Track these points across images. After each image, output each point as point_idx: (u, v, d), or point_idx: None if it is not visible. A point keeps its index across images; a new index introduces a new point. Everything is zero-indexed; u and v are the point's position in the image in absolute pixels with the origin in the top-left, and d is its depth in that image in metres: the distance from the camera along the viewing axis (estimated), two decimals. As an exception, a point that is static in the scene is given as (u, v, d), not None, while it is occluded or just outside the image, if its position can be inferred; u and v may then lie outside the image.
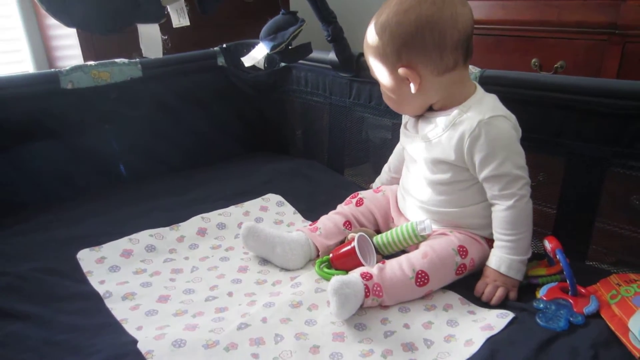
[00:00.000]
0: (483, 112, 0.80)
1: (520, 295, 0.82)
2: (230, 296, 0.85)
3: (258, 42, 1.43)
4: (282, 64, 1.45)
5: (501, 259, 0.82)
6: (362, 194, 1.03)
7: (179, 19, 0.97)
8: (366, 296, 0.78)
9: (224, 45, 1.48)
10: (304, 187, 1.25)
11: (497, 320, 0.76)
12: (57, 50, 1.93)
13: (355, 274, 0.80)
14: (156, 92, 1.34)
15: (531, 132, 0.90)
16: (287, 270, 0.93)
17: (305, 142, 1.52)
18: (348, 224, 0.97)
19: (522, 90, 0.91)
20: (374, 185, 1.13)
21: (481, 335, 0.72)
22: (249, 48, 1.48)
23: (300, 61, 1.38)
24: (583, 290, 0.77)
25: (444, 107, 0.85)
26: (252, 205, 1.15)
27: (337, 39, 1.19)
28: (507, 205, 0.81)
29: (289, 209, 1.17)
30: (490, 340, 0.71)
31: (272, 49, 1.12)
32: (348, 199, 1.03)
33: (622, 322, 0.68)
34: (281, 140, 1.55)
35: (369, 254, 0.89)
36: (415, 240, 0.86)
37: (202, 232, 1.05)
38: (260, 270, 0.93)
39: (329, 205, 1.11)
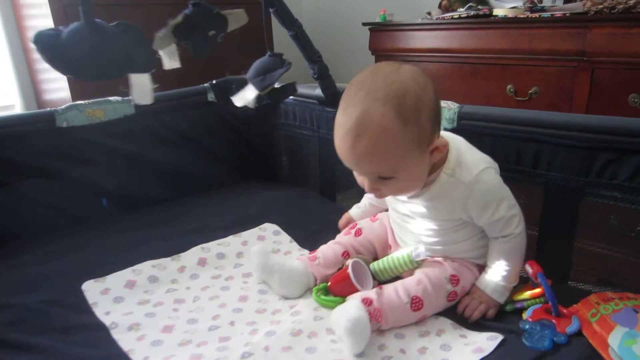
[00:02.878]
0: (468, 171, 0.83)
1: (507, 317, 0.87)
2: (232, 325, 0.88)
3: (244, 78, 1.48)
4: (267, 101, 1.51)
5: (489, 282, 0.88)
6: (361, 223, 1.07)
7: (170, 62, 1.02)
8: (370, 320, 0.81)
9: (214, 82, 1.54)
10: (299, 216, 1.30)
11: (488, 342, 0.80)
12: (45, 84, 1.98)
13: (356, 301, 0.83)
14: (149, 128, 1.39)
15: (509, 163, 0.96)
16: (286, 299, 0.96)
17: (295, 171, 1.57)
18: (346, 254, 1.01)
19: (497, 125, 0.96)
20: (352, 212, 1.16)
21: (473, 358, 0.76)
22: (237, 84, 1.54)
23: (291, 98, 1.44)
24: (565, 311, 0.82)
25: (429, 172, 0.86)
26: (250, 235, 1.19)
27: (323, 77, 1.26)
28: (504, 241, 0.87)
29: (285, 237, 1.21)
30: (482, 362, 0.75)
31: (262, 89, 1.18)
32: (347, 229, 1.07)
33: (602, 339, 0.73)
34: (272, 170, 1.60)
35: (365, 279, 0.94)
36: (410, 266, 0.91)
37: (202, 262, 1.08)
38: (260, 299, 0.97)
39: (324, 233, 1.16)
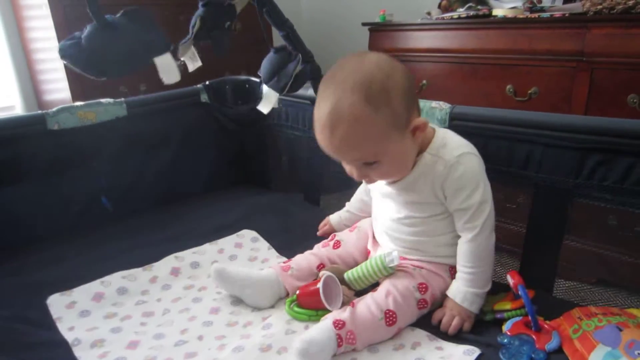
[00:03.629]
0: (450, 151, 0.83)
1: (486, 328, 0.83)
2: (200, 340, 0.85)
3: (240, 78, 1.46)
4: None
5: (458, 289, 0.85)
6: (339, 235, 1.04)
7: (193, 64, 1.03)
8: (339, 346, 0.78)
9: (207, 83, 1.51)
10: (280, 222, 1.26)
11: (464, 357, 0.76)
12: (45, 84, 1.95)
13: (327, 322, 0.80)
14: (141, 130, 1.36)
15: (499, 164, 0.93)
16: (258, 309, 0.93)
17: (284, 174, 1.54)
18: (322, 266, 0.97)
19: (489, 125, 0.94)
20: (331, 218, 1.15)
21: (448, 373, 0.73)
22: (231, 84, 1.52)
23: (281, 97, 1.40)
24: (546, 325, 0.78)
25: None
26: (227, 243, 1.16)
27: (316, 77, 1.23)
28: (469, 237, 0.84)
29: (263, 244, 1.17)
30: (456, 379, 0.71)
31: (281, 90, 1.15)
32: (326, 240, 1.04)
33: (583, 358, 0.69)
34: (262, 173, 1.57)
35: (335, 295, 0.89)
36: (384, 272, 0.87)
37: (175, 271, 1.05)
38: (232, 311, 0.93)
39: (304, 240, 1.13)
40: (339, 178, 1.36)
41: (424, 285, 0.86)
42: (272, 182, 1.56)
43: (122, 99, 1.32)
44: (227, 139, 1.53)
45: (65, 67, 1.66)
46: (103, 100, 1.29)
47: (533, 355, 0.73)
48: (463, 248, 0.85)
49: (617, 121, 0.81)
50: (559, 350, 0.74)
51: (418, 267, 0.89)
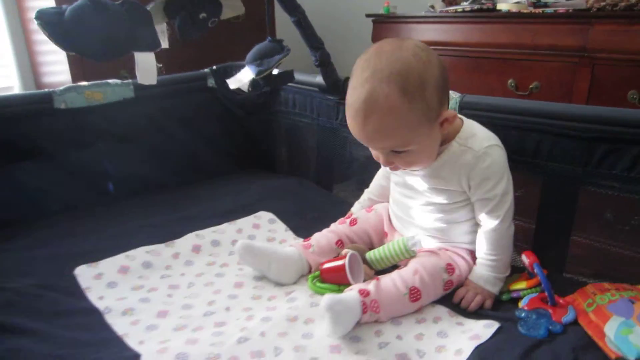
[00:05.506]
0: (479, 142, 0.86)
1: (504, 306, 0.87)
2: (228, 311, 0.88)
3: (244, 64, 1.47)
4: (266, 88, 1.51)
5: (481, 274, 0.89)
6: (356, 214, 1.07)
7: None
8: (364, 312, 0.81)
9: (214, 67, 1.52)
10: (295, 205, 1.29)
11: (484, 330, 0.80)
12: (45, 66, 1.94)
13: (353, 292, 0.83)
14: (148, 112, 1.37)
15: (509, 153, 0.95)
16: (281, 285, 0.96)
17: (292, 160, 1.56)
18: (340, 243, 1.01)
19: (499, 115, 0.97)
20: (354, 209, 1.16)
21: (469, 345, 0.76)
22: (237, 70, 1.53)
23: (289, 84, 1.43)
24: (561, 301, 0.82)
25: (442, 143, 0.89)
26: (245, 223, 1.18)
27: (325, 64, 1.25)
28: (491, 227, 0.87)
29: (280, 226, 1.20)
30: (478, 349, 0.75)
31: (257, 74, 1.16)
32: (342, 218, 1.07)
33: (598, 328, 0.73)
34: (269, 159, 1.59)
35: (357, 272, 0.93)
36: (406, 255, 0.91)
37: (196, 248, 1.07)
38: (256, 286, 0.96)
39: (319, 222, 1.15)
40: (345, 167, 1.40)
41: (452, 267, 0.89)
42: (281, 167, 1.58)
43: (130, 80, 1.33)
44: (233, 124, 1.55)
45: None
46: (110, 80, 1.30)
47: (550, 327, 0.77)
48: (484, 237, 0.88)
49: (626, 111, 0.85)
50: (575, 322, 0.78)
51: (443, 249, 0.92)
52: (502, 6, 1.64)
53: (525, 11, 1.57)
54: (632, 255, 1.30)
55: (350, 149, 1.38)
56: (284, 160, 1.58)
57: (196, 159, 1.47)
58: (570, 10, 1.48)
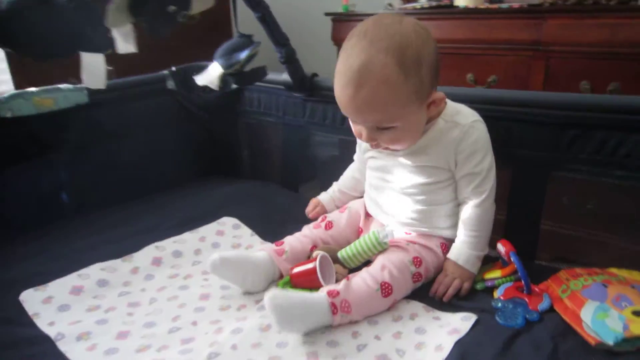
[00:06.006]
0: (465, 117, 0.87)
1: (479, 296, 0.86)
2: (194, 325, 0.82)
3: (206, 65, 1.41)
4: (234, 86, 1.45)
5: (461, 251, 0.88)
6: (330, 216, 1.03)
7: (125, 45, 0.94)
8: (334, 313, 0.79)
9: (174, 69, 1.45)
10: (260, 209, 1.24)
11: (462, 323, 0.78)
12: None
13: (321, 293, 0.80)
14: (104, 119, 1.29)
15: None
16: (250, 293, 0.91)
17: (257, 162, 1.51)
18: (315, 248, 0.96)
19: (471, 105, 0.94)
20: (321, 197, 1.13)
21: (449, 340, 0.74)
22: (199, 71, 1.47)
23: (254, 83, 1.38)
24: (536, 289, 0.82)
25: (427, 122, 0.88)
26: (208, 231, 1.12)
27: (291, 61, 1.22)
28: (476, 202, 0.87)
29: (245, 231, 1.15)
30: (458, 344, 0.73)
31: (226, 68, 1.11)
32: (317, 222, 1.03)
33: (574, 314, 0.73)
34: (233, 163, 1.53)
35: (328, 274, 0.89)
36: (379, 248, 0.88)
37: (157, 261, 1.01)
38: (223, 296, 0.91)
39: (286, 224, 1.12)
40: (310, 166, 1.37)
41: (419, 259, 0.87)
42: (244, 171, 1.53)
43: (84, 85, 1.25)
44: (196, 128, 1.48)
45: (8, 55, 1.54)
46: (62, 85, 1.20)
47: (527, 316, 0.77)
48: (469, 212, 0.88)
49: (592, 97, 0.88)
50: (551, 309, 0.78)
51: (411, 242, 0.90)
52: (459, 2, 1.67)
53: (481, 7, 1.61)
54: (590, 238, 1.34)
55: (317, 147, 1.34)
56: (248, 162, 1.53)
57: (156, 166, 1.39)
58: (525, 6, 1.53)
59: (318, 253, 0.89)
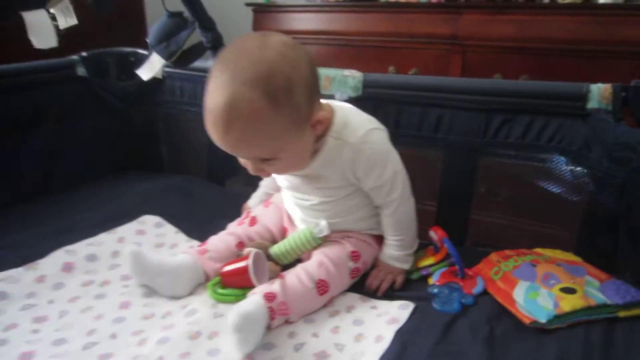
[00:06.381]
0: (353, 132, 0.79)
1: (414, 284, 0.86)
2: (114, 338, 0.74)
3: (124, 50, 1.30)
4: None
5: (389, 254, 0.87)
6: (254, 211, 0.98)
7: (66, 19, 0.85)
8: (272, 318, 0.75)
9: (84, 54, 1.31)
10: (184, 204, 1.16)
11: (400, 312, 0.77)
12: None
13: (257, 297, 0.75)
14: (7, 107, 1.14)
15: (411, 129, 0.96)
16: (176, 298, 0.84)
17: (179, 156, 1.41)
18: (241, 245, 0.91)
19: (401, 91, 0.96)
20: (250, 202, 1.07)
21: (389, 330, 0.73)
22: (113, 57, 1.35)
23: (174, 70, 1.29)
24: (470, 272, 0.83)
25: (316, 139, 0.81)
26: (127, 230, 1.03)
27: (218, 46, 1.14)
28: (390, 211, 0.84)
29: (169, 229, 1.06)
30: (398, 333, 0.72)
31: (169, 57, 1.02)
32: (240, 218, 0.97)
33: (507, 295, 0.75)
34: (152, 156, 1.41)
35: (262, 272, 0.84)
36: (313, 243, 0.85)
37: (68, 267, 0.90)
38: (146, 304, 0.83)
39: (214, 220, 1.05)
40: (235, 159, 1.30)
41: (356, 254, 0.85)
42: (165, 165, 1.42)
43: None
44: (111, 119, 1.35)
45: None
46: None
47: (463, 300, 0.77)
48: (386, 221, 0.86)
49: (518, 83, 0.91)
50: (485, 292, 0.79)
51: (347, 236, 0.88)
52: (381, -4, 1.68)
53: (402, 1, 1.63)
54: (507, 224, 1.40)
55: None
56: (169, 156, 1.42)
57: (66, 160, 1.25)
58: (443, 1, 1.57)
59: (250, 250, 0.84)
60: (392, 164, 0.82)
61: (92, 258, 0.93)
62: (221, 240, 0.91)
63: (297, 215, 0.92)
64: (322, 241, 0.86)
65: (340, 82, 1.02)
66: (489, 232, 1.01)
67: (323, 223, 0.85)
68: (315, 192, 0.86)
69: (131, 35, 1.51)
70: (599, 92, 0.81)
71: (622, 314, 0.68)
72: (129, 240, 1.00)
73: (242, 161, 0.78)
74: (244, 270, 0.81)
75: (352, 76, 1.01)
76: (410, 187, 0.86)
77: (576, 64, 1.37)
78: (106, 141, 1.35)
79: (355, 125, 0.81)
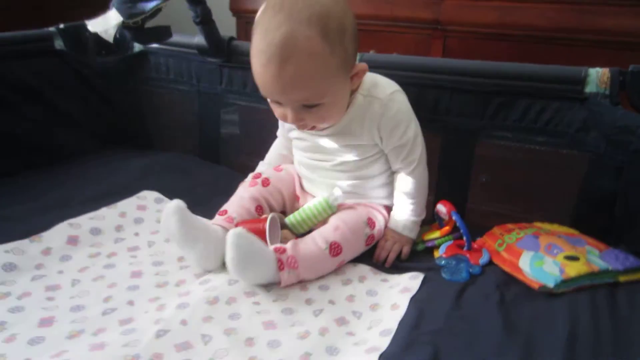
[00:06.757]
0: (383, 90, 0.84)
1: (422, 257, 0.89)
2: (131, 305, 0.73)
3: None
4: (136, 49, 1.31)
5: (399, 219, 0.90)
6: (266, 173, 0.98)
7: None
8: (281, 269, 0.76)
9: (62, 26, 1.26)
10: (181, 181, 1.14)
11: (411, 282, 0.81)
12: None
13: (269, 249, 0.78)
14: None
15: None
16: (186, 267, 0.84)
17: (169, 134, 1.38)
18: (260, 209, 0.91)
19: (398, 72, 0.96)
20: (261, 166, 1.06)
21: (403, 298, 0.76)
22: (92, 31, 1.30)
23: (161, 46, 1.26)
24: (475, 245, 0.87)
25: None
26: (127, 205, 1.01)
27: (207, 21, 1.12)
28: (408, 171, 0.88)
29: (170, 205, 1.06)
30: (413, 300, 0.75)
31: (129, 17, 0.98)
32: (251, 179, 0.96)
33: (513, 264, 0.79)
34: (142, 135, 1.38)
35: (275, 236, 0.86)
36: (329, 212, 0.87)
37: (73, 240, 0.88)
38: (158, 272, 0.83)
39: (213, 198, 1.04)
40: (237, 134, 1.30)
41: (373, 221, 0.88)
42: (156, 142, 1.40)
43: None
44: (94, 96, 1.31)
45: None
46: None
47: (470, 270, 0.81)
48: (403, 181, 0.89)
49: (517, 66, 0.92)
50: (490, 263, 0.83)
51: (362, 204, 0.90)
52: (361, -23, 1.66)
53: None
54: (487, 210, 1.46)
55: (239, 115, 1.28)
56: (160, 135, 1.39)
57: (54, 137, 1.21)
58: None
59: (270, 215, 0.85)
60: (415, 125, 0.87)
61: (96, 231, 0.92)
62: (241, 206, 0.90)
63: (311, 180, 0.94)
64: (336, 209, 0.88)
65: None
66: (485, 218, 1.05)
67: (338, 191, 0.87)
68: (338, 151, 0.88)
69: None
70: (597, 77, 0.86)
71: (622, 278, 0.73)
72: (130, 215, 0.99)
73: (279, 112, 0.79)
74: (260, 231, 0.81)
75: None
76: (426, 157, 0.89)
77: (555, 51, 1.40)
78: (90, 118, 1.31)
79: (384, 84, 0.86)
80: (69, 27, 1.26)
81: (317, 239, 0.81)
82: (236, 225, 0.84)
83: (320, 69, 0.72)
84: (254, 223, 0.84)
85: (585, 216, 0.92)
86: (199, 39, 1.17)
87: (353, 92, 0.84)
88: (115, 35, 1.25)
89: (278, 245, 0.79)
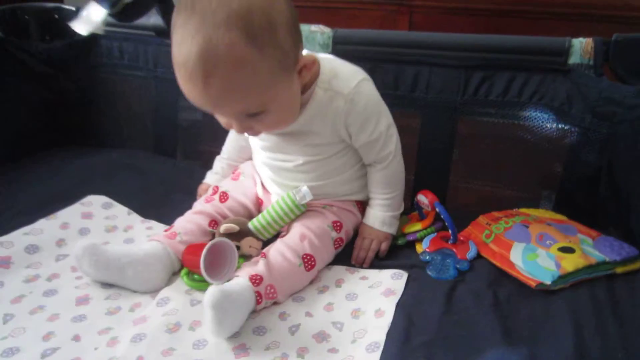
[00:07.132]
0: (346, 83, 0.73)
1: (403, 252, 0.82)
2: (77, 341, 0.63)
3: (45, 5, 1.12)
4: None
5: (375, 216, 0.82)
6: (223, 186, 0.87)
7: None
8: (258, 303, 0.68)
9: None
10: (134, 181, 1.03)
11: (395, 282, 0.73)
12: None
13: (242, 279, 0.68)
14: None
15: (387, 89, 0.90)
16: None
17: (122, 127, 1.24)
18: (214, 224, 0.81)
19: (374, 48, 0.89)
20: (209, 180, 0.96)
21: (388, 303, 0.69)
22: (33, 14, 1.16)
23: (112, 28, 1.12)
24: (460, 237, 0.80)
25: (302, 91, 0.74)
26: (70, 214, 0.89)
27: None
28: (383, 166, 0.80)
29: (120, 210, 0.94)
30: (399, 306, 0.68)
31: (111, 6, 0.86)
32: (209, 195, 0.86)
33: (504, 258, 0.73)
34: (90, 129, 1.23)
35: (223, 264, 0.73)
36: (297, 212, 0.78)
37: (4, 262, 0.76)
38: (108, 296, 0.72)
39: (170, 195, 0.97)
40: (196, 125, 1.18)
41: (339, 223, 0.80)
42: (106, 139, 1.25)
43: None
44: (36, 86, 1.16)
45: None
46: None
47: (458, 266, 0.75)
48: (377, 176, 0.81)
49: (498, 38, 0.86)
50: (479, 256, 0.76)
51: (328, 204, 0.82)
52: (325, -46, 1.58)
53: None
54: (461, 186, 1.42)
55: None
56: (111, 128, 1.24)
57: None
58: None
59: (215, 241, 0.72)
60: (386, 116, 0.77)
61: (32, 249, 0.80)
62: (189, 221, 0.81)
63: (274, 181, 0.84)
64: (305, 208, 0.79)
65: (307, 39, 0.93)
66: (468, 198, 0.99)
67: (305, 188, 0.78)
68: (301, 151, 0.78)
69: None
70: (580, 47, 0.80)
71: (619, 270, 0.69)
72: (74, 225, 0.87)
73: (225, 121, 0.69)
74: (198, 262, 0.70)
75: (321, 32, 0.93)
76: (400, 143, 0.81)
77: (522, 25, 1.37)
78: (34, 113, 1.16)
79: (347, 74, 0.74)
80: (4, 10, 1.12)
81: (288, 255, 0.73)
82: (185, 250, 0.75)
83: (251, 77, 0.61)
84: (201, 247, 0.71)
85: (568, 194, 0.87)
86: (155, 19, 1.05)
87: (308, 85, 0.73)
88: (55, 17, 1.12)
89: (252, 271, 0.70)
